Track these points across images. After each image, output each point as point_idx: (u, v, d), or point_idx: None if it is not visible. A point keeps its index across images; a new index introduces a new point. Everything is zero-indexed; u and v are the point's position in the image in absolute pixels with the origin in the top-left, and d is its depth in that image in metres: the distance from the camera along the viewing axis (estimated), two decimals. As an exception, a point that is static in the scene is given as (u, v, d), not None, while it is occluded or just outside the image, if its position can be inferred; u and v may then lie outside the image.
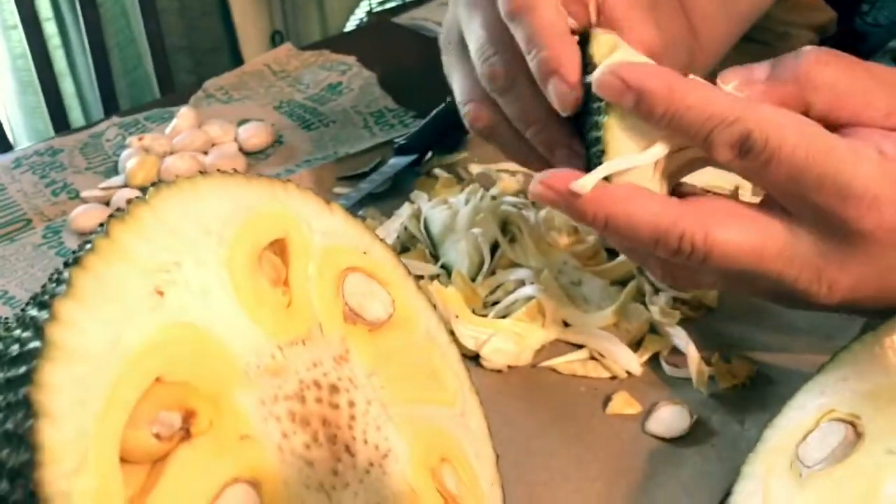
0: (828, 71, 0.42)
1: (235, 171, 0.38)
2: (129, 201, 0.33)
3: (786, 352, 0.56)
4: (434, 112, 0.82)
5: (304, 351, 0.36)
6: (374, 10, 1.87)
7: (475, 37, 0.51)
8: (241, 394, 0.33)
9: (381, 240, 0.45)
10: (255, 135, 0.84)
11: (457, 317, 0.56)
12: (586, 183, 0.42)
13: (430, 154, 0.79)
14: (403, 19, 1.26)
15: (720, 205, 0.43)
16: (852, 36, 0.75)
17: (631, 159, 0.42)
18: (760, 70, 0.43)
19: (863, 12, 0.72)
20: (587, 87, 0.45)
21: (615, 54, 0.44)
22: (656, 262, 0.47)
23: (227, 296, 0.34)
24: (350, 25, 1.94)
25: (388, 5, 1.83)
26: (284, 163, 0.82)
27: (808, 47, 0.43)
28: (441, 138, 0.80)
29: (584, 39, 0.46)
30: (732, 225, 0.42)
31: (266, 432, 0.33)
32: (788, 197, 0.41)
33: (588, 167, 0.44)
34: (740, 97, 0.41)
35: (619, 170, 0.42)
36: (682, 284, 0.49)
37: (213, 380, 0.32)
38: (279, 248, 0.39)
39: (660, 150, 0.42)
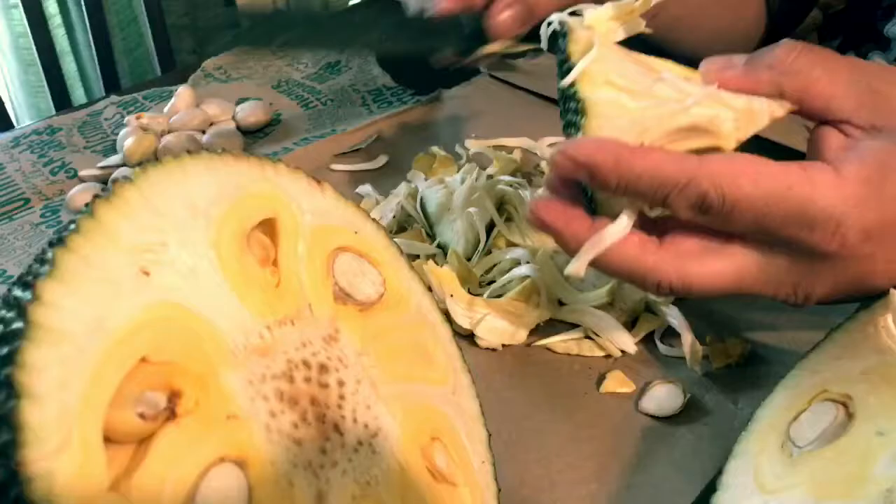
0: (801, 59, 0.42)
1: (224, 150, 0.38)
2: (114, 181, 0.33)
3: (779, 330, 0.56)
4: None
5: (292, 331, 0.36)
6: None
7: None
8: (229, 373, 0.33)
9: (373, 219, 0.44)
10: (252, 113, 0.84)
11: (451, 296, 0.56)
12: (579, 267, 0.44)
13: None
14: (404, -4, 1.25)
15: (693, 244, 0.43)
16: (875, 38, 0.75)
17: (609, 234, 0.43)
18: (738, 58, 0.44)
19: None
20: (563, 91, 0.45)
21: (591, 53, 0.44)
22: None
23: (215, 275, 0.34)
24: (352, 1, 1.93)
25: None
26: (282, 141, 0.82)
27: (786, 39, 0.44)
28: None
29: (562, 34, 0.46)
30: (707, 261, 0.43)
31: (253, 412, 0.33)
32: (757, 235, 0.42)
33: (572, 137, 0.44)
34: (689, 157, 0.41)
35: (602, 249, 0.43)
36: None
37: (200, 359, 0.32)
38: (268, 228, 0.39)
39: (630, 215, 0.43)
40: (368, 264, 0.42)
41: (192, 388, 0.31)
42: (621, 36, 0.46)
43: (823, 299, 0.44)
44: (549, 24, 0.47)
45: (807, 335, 0.54)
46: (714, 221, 0.42)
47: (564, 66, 0.45)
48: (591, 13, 0.46)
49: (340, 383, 0.37)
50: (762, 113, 0.43)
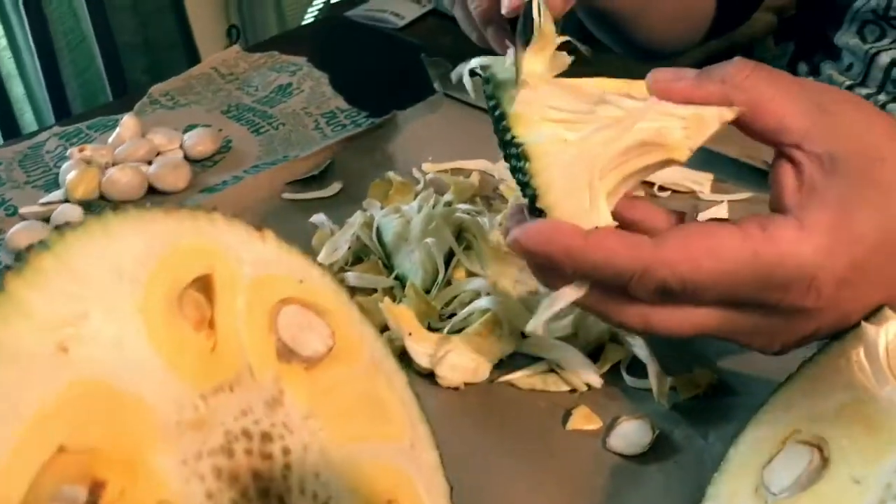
0: (754, 76, 0.41)
1: (152, 205, 0.35)
2: (28, 249, 0.30)
3: (747, 358, 0.54)
4: None
5: (231, 398, 0.34)
6: (332, 1, 1.82)
7: None
8: (159, 455, 0.30)
9: (320, 265, 0.42)
10: (200, 142, 0.81)
11: (410, 334, 0.54)
12: (538, 326, 0.42)
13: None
14: (360, 12, 1.23)
15: (666, 310, 0.42)
16: (817, 6, 0.74)
17: (566, 294, 0.41)
18: (688, 71, 0.42)
19: None
20: (500, 137, 0.43)
21: (520, 94, 0.42)
22: None
23: (143, 345, 0.32)
24: (308, 15, 1.90)
25: (346, -5, 1.79)
26: (232, 169, 0.79)
27: (738, 57, 0.42)
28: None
29: (486, 79, 0.45)
30: (675, 314, 0.41)
31: (188, 494, 0.30)
32: (728, 305, 0.41)
33: (521, 183, 0.42)
34: (642, 243, 0.39)
35: (559, 308, 0.41)
36: None
37: (126, 443, 0.29)
38: (204, 285, 0.36)
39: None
40: (315, 316, 0.40)
41: (117, 476, 0.28)
42: (547, 74, 0.44)
43: (803, 344, 0.43)
44: (472, 71, 0.46)
45: (776, 363, 0.52)
46: (679, 301, 0.40)
47: (496, 113, 0.43)
48: (510, 59, 0.44)
49: (286, 451, 0.34)
50: (711, 118, 0.41)
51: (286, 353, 0.37)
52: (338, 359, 0.40)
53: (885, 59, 0.68)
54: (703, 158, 0.60)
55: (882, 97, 0.69)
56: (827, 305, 0.39)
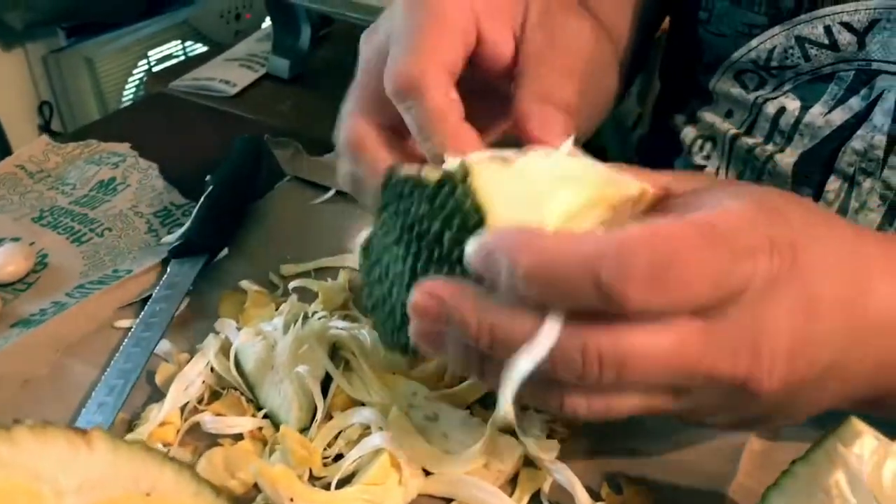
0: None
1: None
2: None
3: (687, 469, 0.48)
4: (206, 194, 0.70)
5: None
6: (154, 71, 1.69)
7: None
8: None
9: (172, 459, 0.32)
10: (9, 261, 0.67)
11: (291, 500, 0.44)
12: (507, 410, 0.34)
13: (225, 250, 0.67)
14: (187, 82, 1.12)
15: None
16: (694, 46, 0.70)
17: (530, 356, 0.33)
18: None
19: (702, 20, 0.67)
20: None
21: None
22: None
23: None
24: (129, 86, 1.76)
25: (169, 63, 1.67)
26: (50, 293, 0.66)
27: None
28: (232, 218, 0.69)
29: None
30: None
31: None
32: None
33: None
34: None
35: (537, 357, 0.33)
36: None
37: None
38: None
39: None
40: (173, 540, 0.30)
41: None
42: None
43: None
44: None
45: (723, 466, 0.46)
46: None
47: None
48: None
49: None
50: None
51: None
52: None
53: (771, 109, 0.65)
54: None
55: (770, 147, 0.66)
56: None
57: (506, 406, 0.34)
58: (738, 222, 0.34)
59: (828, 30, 0.60)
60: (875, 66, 0.59)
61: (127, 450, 0.30)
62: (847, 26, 0.59)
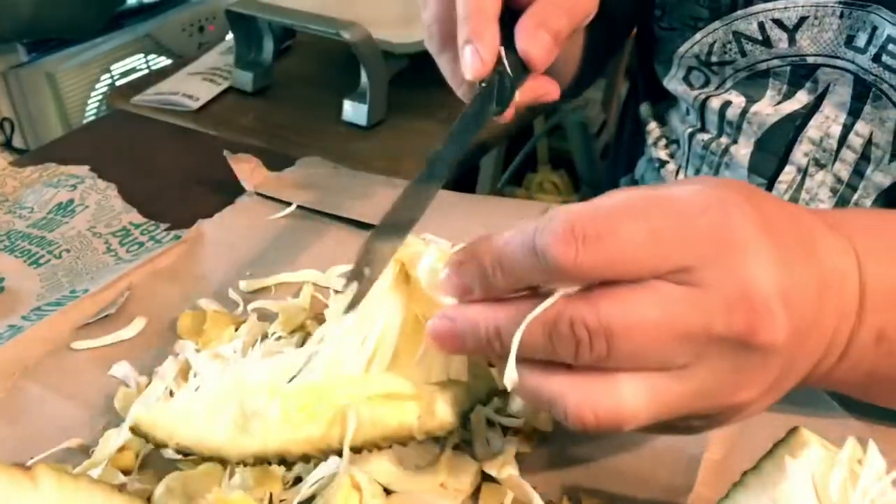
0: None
1: None
2: None
3: (645, 480, 0.48)
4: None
5: None
6: (117, 85, 1.68)
7: None
8: None
9: (123, 491, 0.32)
10: (-35, 286, 0.67)
11: (251, 532, 0.44)
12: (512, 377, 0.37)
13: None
14: (150, 96, 1.11)
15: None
16: (652, 44, 0.72)
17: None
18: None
19: (657, 17, 0.68)
20: None
21: None
22: None
23: None
24: (92, 101, 1.74)
25: (132, 77, 1.66)
26: (7, 315, 0.65)
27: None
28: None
29: None
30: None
31: None
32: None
33: None
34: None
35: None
36: None
37: None
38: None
39: None
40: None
41: None
42: None
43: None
44: None
45: (681, 477, 0.47)
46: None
47: None
48: None
49: None
50: None
51: None
52: None
53: (715, 103, 0.67)
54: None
55: (724, 139, 0.68)
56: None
57: (511, 378, 0.36)
58: (680, 191, 0.35)
59: (761, 26, 0.62)
60: (811, 59, 0.61)
61: (73, 484, 0.30)
62: (778, 23, 0.61)
